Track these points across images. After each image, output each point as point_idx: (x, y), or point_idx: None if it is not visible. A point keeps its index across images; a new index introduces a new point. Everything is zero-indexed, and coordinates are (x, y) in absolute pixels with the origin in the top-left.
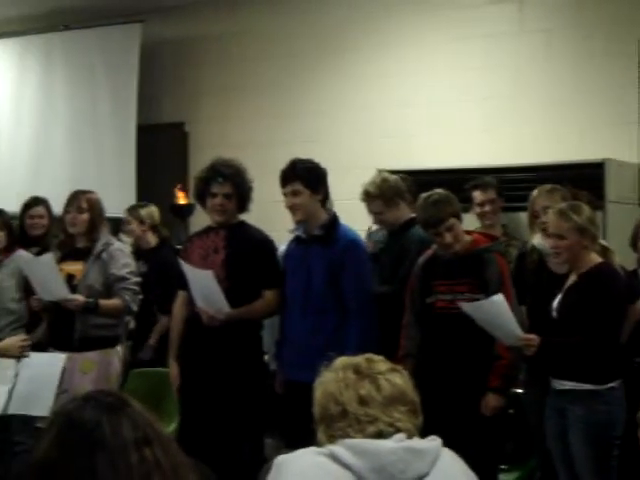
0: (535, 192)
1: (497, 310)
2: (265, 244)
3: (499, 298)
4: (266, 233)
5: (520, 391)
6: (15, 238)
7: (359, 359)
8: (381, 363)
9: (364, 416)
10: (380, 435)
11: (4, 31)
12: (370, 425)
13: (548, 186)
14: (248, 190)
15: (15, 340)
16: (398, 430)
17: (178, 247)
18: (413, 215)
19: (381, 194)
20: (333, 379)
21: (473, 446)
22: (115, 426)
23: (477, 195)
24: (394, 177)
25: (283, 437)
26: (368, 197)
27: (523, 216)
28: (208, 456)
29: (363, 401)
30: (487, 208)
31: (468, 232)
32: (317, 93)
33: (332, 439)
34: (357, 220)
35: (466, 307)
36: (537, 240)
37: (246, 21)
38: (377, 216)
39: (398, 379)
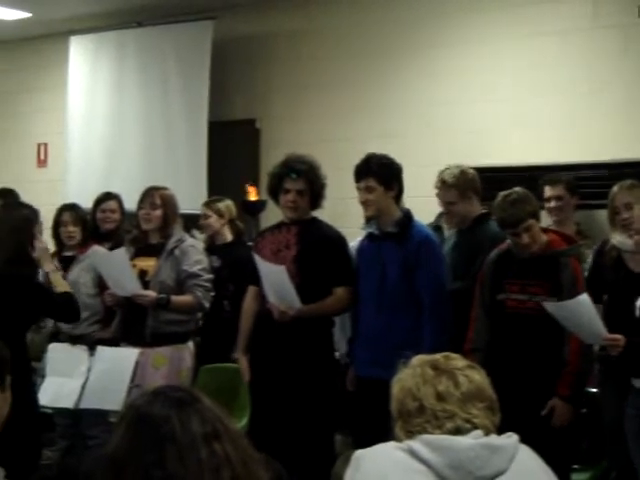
0: (615, 188)
1: (582, 310)
2: (337, 241)
3: (584, 298)
4: (338, 230)
5: (594, 390)
6: (89, 234)
7: (437, 356)
8: (459, 360)
9: (442, 412)
10: (458, 431)
11: (78, 28)
12: (448, 421)
13: (628, 182)
14: (321, 186)
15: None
16: (475, 427)
17: (250, 244)
18: (484, 211)
19: (457, 185)
20: (411, 375)
21: (545, 445)
22: (184, 421)
23: (546, 190)
24: (472, 171)
25: (353, 433)
26: (443, 185)
27: (598, 214)
28: (278, 452)
29: (441, 397)
30: (553, 204)
31: (544, 230)
32: (391, 89)
33: (410, 435)
34: (432, 218)
35: (550, 307)
36: (617, 238)
37: (319, 18)
38: (448, 206)
39: (476, 375)
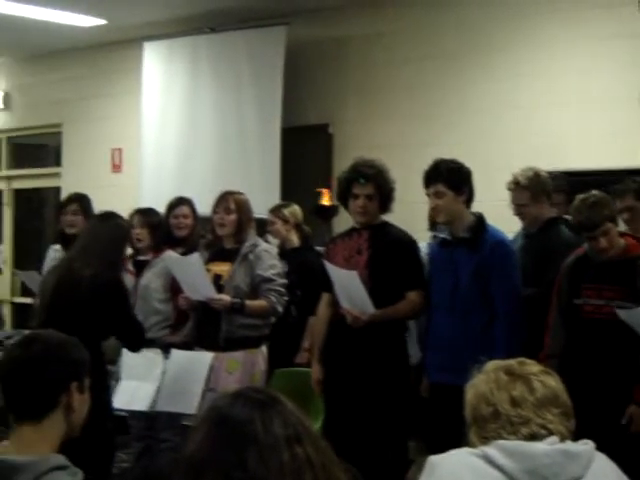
0: None
1: None
2: (408, 244)
3: None
4: (409, 234)
5: None
6: (161, 239)
7: (511, 361)
8: (533, 365)
9: (516, 417)
10: (533, 437)
11: (152, 34)
12: (523, 427)
13: None
14: (390, 190)
15: None
16: (550, 432)
17: (319, 248)
18: (554, 215)
19: (530, 186)
20: (484, 380)
21: (621, 453)
22: (266, 423)
23: (617, 203)
24: (545, 174)
25: (426, 439)
26: (516, 187)
27: None
28: (352, 457)
29: (515, 402)
30: (625, 216)
31: (621, 235)
32: (463, 94)
33: (484, 440)
34: (503, 223)
35: (622, 314)
36: None
37: (390, 22)
38: (519, 208)
39: (551, 381)
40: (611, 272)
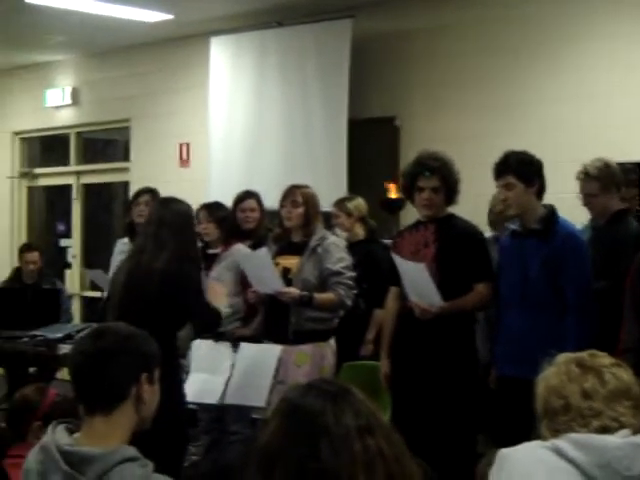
0: None
1: None
2: (476, 236)
3: None
4: (476, 225)
5: None
6: (229, 232)
7: (582, 354)
8: (605, 358)
9: (588, 410)
10: (604, 430)
11: (218, 29)
12: (594, 419)
13: None
14: (455, 182)
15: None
16: (622, 425)
17: (386, 241)
18: (623, 207)
19: (600, 177)
20: (556, 373)
21: None
22: (338, 414)
23: None
24: (616, 165)
25: (496, 433)
26: (586, 177)
27: None
28: (421, 450)
29: (587, 395)
30: None
31: None
32: (530, 85)
33: (556, 434)
34: (574, 215)
35: None
36: None
37: (456, 14)
38: (588, 198)
39: (623, 374)
40: None
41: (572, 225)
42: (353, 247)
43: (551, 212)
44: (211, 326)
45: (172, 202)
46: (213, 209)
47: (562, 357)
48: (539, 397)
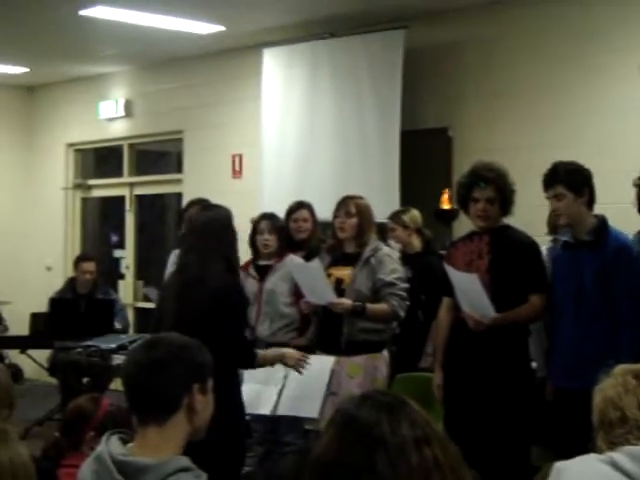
0: None
1: None
2: (530, 247)
3: None
4: (531, 236)
5: None
6: (285, 243)
7: (639, 366)
8: None
9: None
10: None
11: (270, 40)
12: None
13: None
14: (511, 193)
15: (296, 353)
16: None
17: (442, 252)
18: None
19: None
20: (612, 384)
21: None
22: (394, 425)
23: None
24: None
25: (552, 445)
26: None
27: None
28: (473, 463)
29: None
30: None
31: None
32: (583, 94)
33: (612, 446)
34: (624, 227)
35: None
36: None
37: (508, 24)
38: None
39: None
40: None
41: (624, 236)
42: (410, 259)
43: (602, 223)
44: (246, 358)
45: (208, 209)
46: (274, 220)
47: (619, 369)
48: (596, 409)
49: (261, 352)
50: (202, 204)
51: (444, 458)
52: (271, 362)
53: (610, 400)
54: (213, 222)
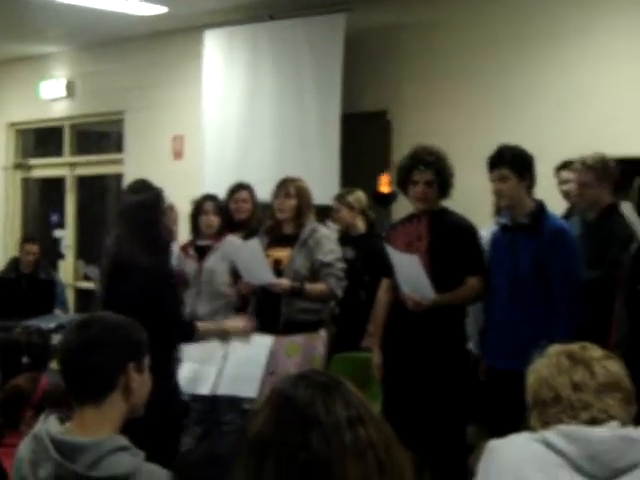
0: None
1: None
2: (468, 230)
3: None
4: (469, 219)
5: None
6: (226, 224)
7: (573, 346)
8: (595, 350)
9: (577, 402)
10: (593, 422)
11: (212, 22)
12: (583, 411)
13: None
14: (449, 177)
15: (237, 326)
16: (611, 418)
17: (382, 234)
18: (614, 201)
19: (596, 168)
20: (546, 365)
21: None
22: (329, 404)
23: None
24: (614, 163)
25: (485, 424)
26: (582, 166)
27: None
28: (411, 442)
29: (577, 387)
30: None
31: None
32: (524, 79)
33: (545, 425)
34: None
35: None
36: None
37: (448, 9)
38: (582, 188)
39: (613, 366)
40: None
41: (561, 220)
42: (354, 240)
43: (540, 207)
44: (185, 336)
45: (135, 192)
46: (217, 201)
47: (553, 349)
48: (529, 388)
49: (201, 324)
50: (127, 186)
51: (378, 437)
52: (214, 335)
53: (544, 380)
54: (138, 204)
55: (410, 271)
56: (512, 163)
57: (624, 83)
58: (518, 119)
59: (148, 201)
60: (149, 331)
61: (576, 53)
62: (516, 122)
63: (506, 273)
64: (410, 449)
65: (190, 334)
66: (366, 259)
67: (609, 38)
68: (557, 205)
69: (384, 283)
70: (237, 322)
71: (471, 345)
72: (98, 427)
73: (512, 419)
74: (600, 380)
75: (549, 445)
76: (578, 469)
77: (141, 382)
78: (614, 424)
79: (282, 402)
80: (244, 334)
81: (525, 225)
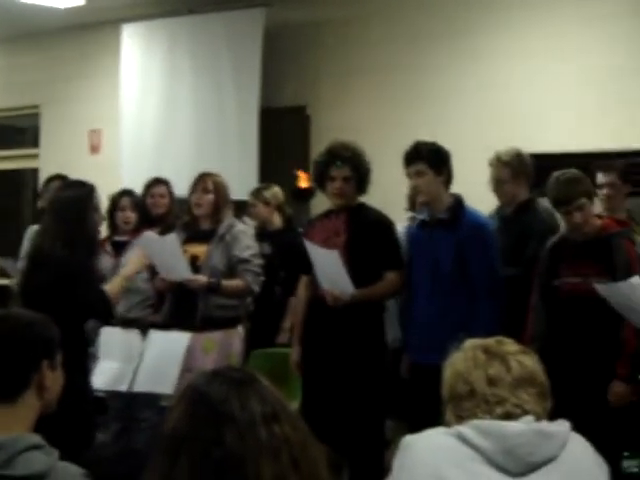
0: None
1: (634, 292)
2: (386, 225)
3: (637, 280)
4: (386, 215)
5: None
6: (143, 219)
7: (489, 340)
8: (511, 345)
9: (492, 396)
10: (508, 416)
11: (130, 16)
12: (498, 406)
13: None
14: (366, 172)
15: (133, 258)
16: (526, 412)
17: (300, 230)
18: (531, 197)
19: (512, 164)
20: (462, 359)
21: (597, 431)
22: (243, 401)
23: (599, 177)
24: (529, 157)
25: (405, 419)
26: (498, 162)
27: None
28: (330, 437)
29: (492, 381)
30: (606, 191)
31: (599, 217)
32: (440, 75)
33: (460, 419)
34: (480, 206)
35: (601, 288)
36: None
37: (368, 4)
38: (498, 184)
39: (528, 361)
40: (587, 250)
41: (479, 214)
42: (271, 236)
43: (458, 202)
44: (102, 316)
45: (67, 187)
46: (134, 196)
47: (469, 343)
48: (445, 382)
49: (108, 287)
50: (63, 181)
51: (293, 434)
52: (120, 288)
53: (459, 374)
54: (68, 200)
55: (329, 266)
56: (428, 158)
57: (538, 79)
58: (435, 115)
59: (78, 197)
60: (63, 325)
61: (490, 50)
62: (433, 118)
63: (426, 268)
64: (328, 445)
65: (109, 310)
66: (282, 255)
67: (522, 35)
68: (478, 200)
69: (303, 280)
70: (132, 261)
71: (390, 339)
72: (11, 426)
73: (431, 414)
74: (515, 375)
75: (464, 440)
76: (493, 464)
77: (54, 379)
78: (529, 418)
79: (196, 398)
80: (144, 260)
81: (444, 220)
